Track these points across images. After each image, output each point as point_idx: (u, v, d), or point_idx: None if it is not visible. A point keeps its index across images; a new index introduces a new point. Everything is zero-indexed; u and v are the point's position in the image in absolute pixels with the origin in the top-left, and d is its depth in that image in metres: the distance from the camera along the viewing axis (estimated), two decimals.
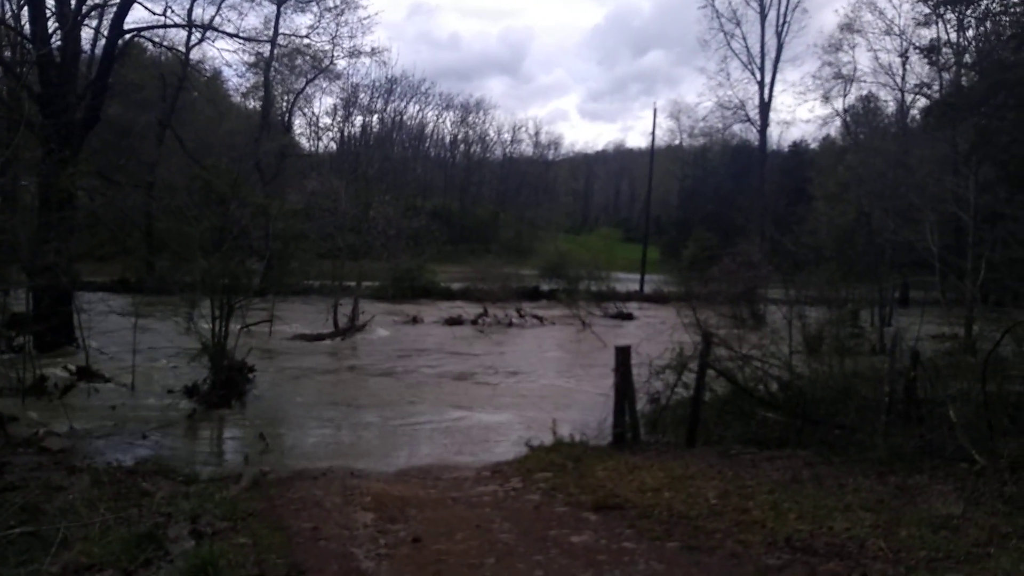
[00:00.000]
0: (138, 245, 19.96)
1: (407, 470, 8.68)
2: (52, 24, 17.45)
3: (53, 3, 17.27)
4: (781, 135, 65.97)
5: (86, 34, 20.99)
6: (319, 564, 5.13)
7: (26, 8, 17.87)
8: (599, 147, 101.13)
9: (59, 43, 17.51)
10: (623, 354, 9.21)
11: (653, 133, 50.15)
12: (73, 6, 17.43)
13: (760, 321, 22.28)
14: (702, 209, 51.78)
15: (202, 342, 11.88)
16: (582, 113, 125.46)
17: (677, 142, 60.23)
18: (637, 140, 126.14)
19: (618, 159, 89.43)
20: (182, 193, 17.73)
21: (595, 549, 5.44)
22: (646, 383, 9.64)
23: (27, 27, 18.12)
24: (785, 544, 5.28)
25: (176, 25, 26.93)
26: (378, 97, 58.51)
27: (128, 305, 16.89)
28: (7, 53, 19.12)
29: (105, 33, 19.88)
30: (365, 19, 45.57)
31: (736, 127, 50.32)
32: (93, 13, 20.34)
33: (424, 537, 5.73)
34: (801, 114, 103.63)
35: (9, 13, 20.86)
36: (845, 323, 15.23)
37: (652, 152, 50.22)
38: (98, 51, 21.46)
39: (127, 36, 21.05)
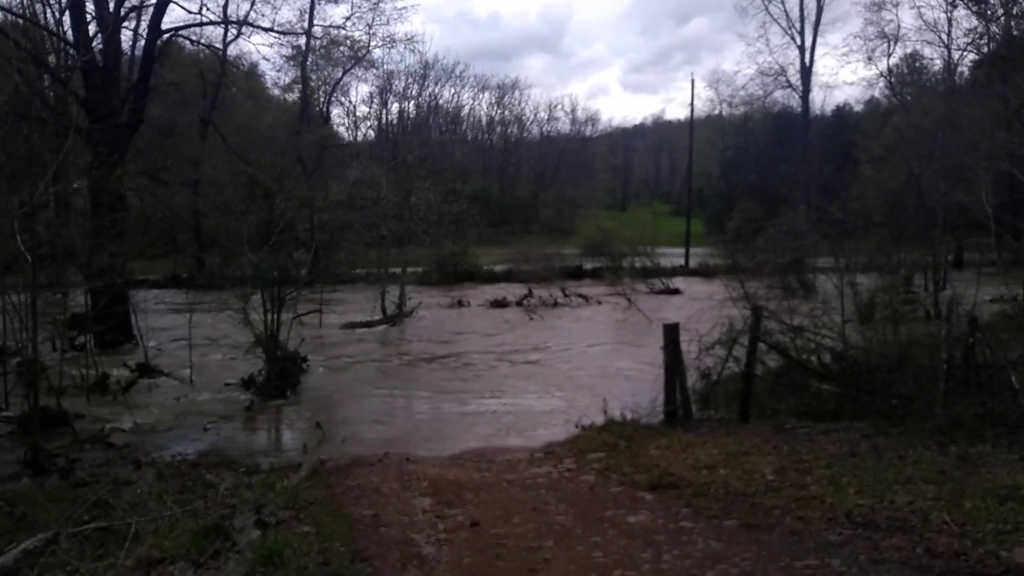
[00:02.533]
0: (188, 242, 20.48)
1: (461, 454, 8.79)
2: (92, 28, 17.84)
3: (93, 8, 17.64)
4: (824, 100, 64.47)
5: (125, 36, 21.38)
6: (381, 551, 5.24)
7: (68, 14, 18.28)
8: (637, 121, 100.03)
9: (100, 47, 17.90)
10: (671, 331, 9.15)
11: (692, 104, 49.47)
12: (112, 9, 17.78)
13: (809, 291, 21.89)
14: (745, 179, 50.89)
15: (255, 334, 12.15)
16: (624, 86, 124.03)
17: (717, 112, 59.12)
18: (676, 112, 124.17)
19: (657, 132, 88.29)
20: (228, 189, 18.07)
21: (652, 529, 5.45)
22: (696, 359, 9.57)
23: (69, 33, 18.54)
24: (846, 519, 5.22)
25: (212, 23, 27.40)
26: (413, 83, 58.61)
27: (181, 301, 17.34)
28: (52, 60, 19.61)
29: (144, 34, 20.26)
30: (400, 8, 45.61)
31: (777, 94, 49.13)
32: (131, 15, 20.71)
33: (482, 521, 5.80)
34: (844, 76, 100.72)
35: (52, 20, 21.38)
36: (898, 289, 14.90)
37: (692, 123, 49.48)
38: (138, 52, 21.84)
39: (165, 36, 21.39)
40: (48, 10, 21.16)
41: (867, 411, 8.29)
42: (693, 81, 79.22)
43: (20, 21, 18.73)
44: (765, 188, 42.94)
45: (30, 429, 8.63)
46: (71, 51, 18.51)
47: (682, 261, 37.99)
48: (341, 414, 11.47)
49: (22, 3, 19.23)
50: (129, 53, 25.07)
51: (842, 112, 53.54)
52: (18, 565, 4.93)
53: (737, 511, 5.68)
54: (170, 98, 29.26)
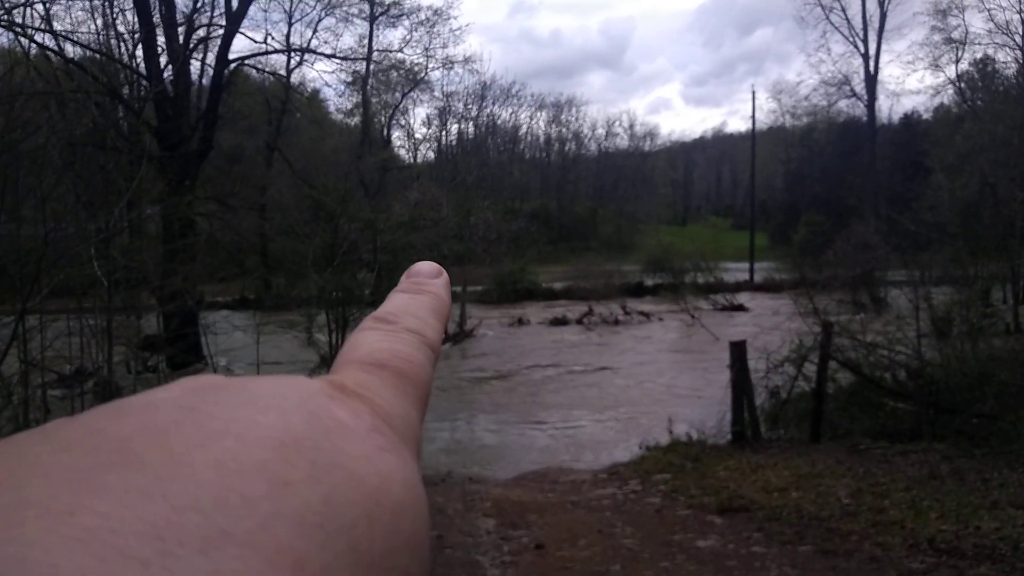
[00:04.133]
0: (255, 265, 21.02)
1: (523, 474, 8.73)
2: (163, 60, 18.57)
3: (163, 41, 18.38)
4: (891, 108, 62.65)
5: (194, 67, 22.19)
6: (447, 572, 5.21)
7: (140, 48, 19.08)
8: (697, 134, 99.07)
9: (171, 78, 18.60)
10: (738, 348, 8.96)
11: (753, 116, 48.56)
12: (181, 41, 18.49)
13: (882, 306, 21.21)
14: (810, 191, 49.77)
15: (320, 354, 12.33)
16: (686, 99, 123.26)
17: (780, 123, 58.10)
18: (737, 125, 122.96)
19: (717, 145, 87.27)
20: (293, 212, 18.49)
21: (723, 554, 5.30)
22: (764, 377, 9.35)
23: (142, 66, 19.32)
24: (928, 546, 4.99)
25: (276, 51, 28.23)
26: (472, 104, 59.29)
27: (249, 322, 17.75)
28: (126, 91, 20.45)
29: (212, 65, 20.99)
30: (456, 30, 46.28)
31: (842, 103, 48.03)
32: (200, 46, 21.50)
33: (547, 543, 5.72)
34: (911, 84, 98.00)
35: (126, 53, 22.30)
36: (976, 303, 14.29)
37: (754, 135, 48.75)
38: (206, 82, 22.63)
39: (232, 65, 22.16)
40: (122, 44, 22.11)
41: (947, 431, 7.95)
42: (754, 93, 78.07)
43: (97, 56, 19.60)
44: (831, 200, 41.87)
45: None
46: (144, 83, 19.27)
47: (746, 276, 37.28)
48: None
49: (98, 39, 20.13)
50: (197, 83, 26.04)
51: (910, 120, 52.01)
52: None
53: (812, 536, 5.48)
54: (237, 125, 30.23)
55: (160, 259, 14.48)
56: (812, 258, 25.97)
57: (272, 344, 16.00)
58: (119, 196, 12.08)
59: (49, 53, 16.79)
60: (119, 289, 11.15)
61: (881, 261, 23.16)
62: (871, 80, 44.91)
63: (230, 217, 21.02)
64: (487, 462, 9.55)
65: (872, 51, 44.48)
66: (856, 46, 44.97)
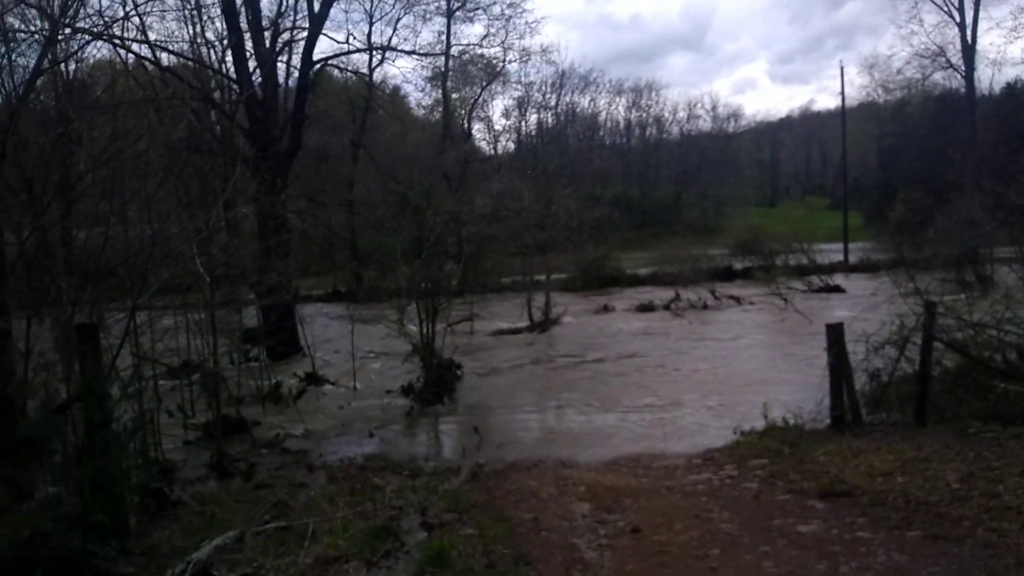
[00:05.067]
0: (346, 259, 21.62)
1: (616, 459, 8.70)
2: (252, 64, 19.19)
3: (251, 46, 18.99)
4: (992, 79, 59.09)
5: (281, 69, 22.85)
6: (543, 555, 5.27)
7: (230, 54, 19.78)
8: (783, 114, 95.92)
9: (260, 81, 19.23)
10: (835, 331, 8.70)
11: (843, 92, 46.36)
12: (268, 45, 19.08)
13: (988, 284, 20.17)
14: (906, 167, 47.48)
15: (412, 343, 12.61)
16: (772, 78, 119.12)
17: (871, 99, 55.58)
18: (826, 102, 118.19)
19: (805, 124, 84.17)
20: (380, 207, 18.89)
21: (826, 539, 5.17)
22: (863, 360, 9.02)
23: (232, 71, 20.04)
24: None
25: (358, 50, 28.83)
26: (550, 94, 59.11)
27: (343, 314, 18.28)
28: (217, 96, 21.27)
29: (297, 67, 21.61)
30: (532, 22, 46.21)
31: (937, 75, 45.46)
32: (285, 49, 22.13)
33: (643, 527, 5.71)
34: (1013, 53, 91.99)
35: (216, 60, 23.17)
36: None
37: (843, 112, 46.89)
38: (292, 84, 23.30)
39: (316, 66, 22.70)
40: (212, 51, 22.96)
41: None
42: (843, 68, 74.39)
43: (190, 63, 20.44)
44: (929, 176, 39.85)
45: (215, 435, 9.36)
46: (234, 87, 19.99)
47: (840, 257, 35.99)
48: (495, 419, 11.67)
49: (190, 47, 20.96)
50: (284, 85, 26.86)
51: (1013, 90, 48.97)
52: (211, 559, 5.34)
53: (920, 521, 5.29)
54: (323, 125, 31.04)
55: (256, 256, 15.03)
56: (910, 236, 24.87)
57: (366, 335, 16.45)
58: (216, 196, 12.61)
59: (146, 63, 17.59)
60: (220, 285, 11.63)
61: (986, 237, 21.94)
62: (968, 50, 42.41)
63: (320, 213, 21.65)
64: (579, 447, 9.56)
65: (969, 20, 42.02)
66: (951, 15, 42.57)
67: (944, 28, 43.54)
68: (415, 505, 6.56)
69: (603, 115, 66.11)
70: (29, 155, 10.17)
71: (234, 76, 19.76)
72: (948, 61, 43.59)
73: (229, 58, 20.14)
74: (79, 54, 13.41)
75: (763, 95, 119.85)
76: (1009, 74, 56.32)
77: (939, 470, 6.26)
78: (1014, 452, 6.57)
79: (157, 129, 12.29)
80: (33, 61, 10.97)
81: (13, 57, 11.59)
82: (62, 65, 12.61)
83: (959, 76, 43.71)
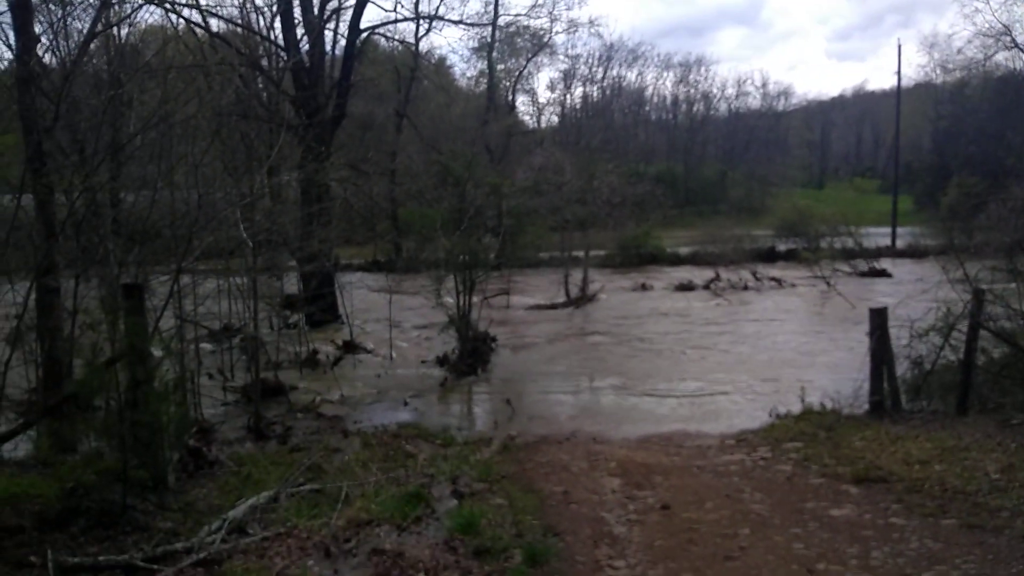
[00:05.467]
0: (386, 229, 21.75)
1: (648, 437, 8.69)
2: (299, 31, 19.26)
3: (299, 13, 19.04)
4: None
5: (327, 37, 22.90)
6: (572, 527, 5.29)
7: (278, 20, 19.85)
8: (835, 93, 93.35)
9: (307, 48, 19.30)
10: (879, 316, 8.53)
11: (899, 71, 45.17)
12: (316, 12, 19.10)
13: None
14: (962, 151, 46.08)
15: (448, 315, 12.68)
16: (828, 55, 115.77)
17: (927, 79, 53.88)
18: (881, 82, 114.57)
19: (858, 104, 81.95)
20: (422, 178, 18.91)
21: (859, 524, 5.11)
22: (906, 347, 8.85)
23: (280, 38, 20.14)
24: None
25: (406, 19, 28.67)
26: (597, 67, 58.39)
27: (381, 284, 18.44)
28: (264, 63, 21.41)
29: (344, 35, 21.62)
30: None
31: (1000, 56, 43.88)
32: (333, 16, 22.13)
33: (673, 504, 5.71)
34: None
35: (264, 27, 23.30)
36: None
37: (899, 91, 45.54)
38: (339, 52, 23.31)
39: (363, 34, 22.69)
40: (260, 18, 23.07)
41: None
42: (900, 47, 72.37)
43: (238, 29, 20.59)
44: (986, 160, 38.66)
45: (253, 398, 9.54)
46: (282, 54, 20.09)
47: (888, 241, 35.17)
48: (528, 392, 11.71)
49: (239, 13, 21.09)
50: (331, 53, 26.93)
51: None
52: (246, 518, 5.47)
53: (956, 510, 5.20)
54: (368, 93, 31.10)
55: (298, 223, 15.18)
56: (962, 222, 24.14)
57: (403, 305, 16.58)
58: (261, 163, 12.75)
59: (195, 28, 17.75)
60: (262, 251, 11.79)
61: None
62: None
63: (362, 183, 21.73)
64: (611, 424, 9.56)
65: None
66: None
67: (1011, 6, 41.87)
68: (446, 473, 6.63)
69: (650, 90, 65.19)
70: (81, 117, 10.39)
71: (282, 43, 19.86)
72: (1013, 40, 41.92)
73: (277, 25, 20.23)
74: (131, 18, 13.58)
75: (817, 73, 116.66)
76: None
77: (979, 460, 6.14)
78: None
79: (205, 94, 12.43)
80: (87, 25, 11.18)
81: (68, 21, 11.82)
82: (114, 29, 12.76)
83: (1023, 57, 42.13)
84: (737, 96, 65.49)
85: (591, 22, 50.00)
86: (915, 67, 68.70)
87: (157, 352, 6.74)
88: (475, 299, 12.98)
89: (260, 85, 21.44)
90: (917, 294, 10.50)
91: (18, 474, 5.86)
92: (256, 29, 21.63)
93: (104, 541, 5.13)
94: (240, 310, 12.85)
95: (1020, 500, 5.20)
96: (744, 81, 69.41)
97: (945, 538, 4.75)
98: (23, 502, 5.22)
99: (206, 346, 12.39)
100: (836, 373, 10.90)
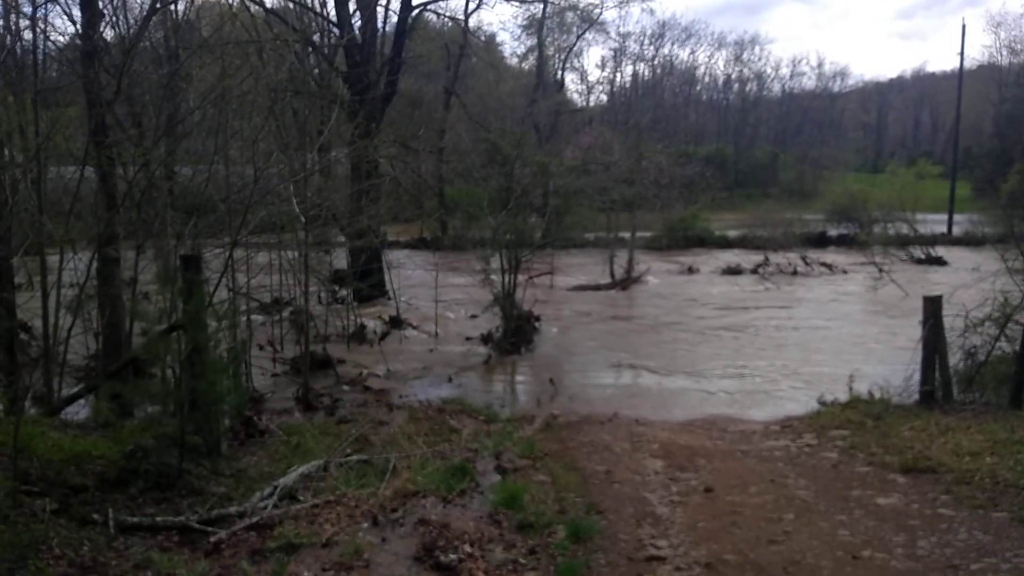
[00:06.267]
0: (434, 207, 21.87)
1: (692, 420, 8.68)
2: (352, 7, 19.37)
3: None
4: None
5: (379, 13, 22.98)
6: (615, 506, 5.34)
7: None
8: (894, 74, 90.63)
9: (359, 25, 19.40)
10: (933, 304, 8.36)
11: (962, 51, 43.19)
12: None
13: None
14: None
15: (493, 293, 12.77)
16: (889, 34, 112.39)
17: (992, 60, 52.03)
18: (941, 63, 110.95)
19: (917, 86, 79.61)
20: (470, 156, 18.95)
21: (906, 513, 5.06)
22: (960, 337, 8.67)
23: (332, 14, 20.28)
24: None
25: None
26: (648, 45, 57.61)
27: (428, 261, 18.60)
28: (317, 39, 21.58)
29: (396, 11, 21.68)
30: None
31: None
32: None
33: (716, 487, 5.71)
34: None
35: (317, 2, 23.47)
36: None
37: (960, 72, 44.00)
38: (389, 29, 23.40)
39: (415, 11, 22.73)
40: None
41: None
42: (964, 26, 69.95)
43: (292, 5, 20.77)
44: None
45: (301, 370, 9.76)
46: (334, 30, 20.24)
47: (944, 228, 34.23)
48: (571, 372, 11.75)
49: None
50: (382, 29, 27.02)
51: None
52: (296, 485, 5.63)
53: (1008, 503, 5.12)
54: (417, 70, 31.19)
55: (348, 199, 15.35)
56: (1023, 210, 23.38)
57: (449, 283, 16.71)
58: (313, 139, 12.91)
59: (250, 4, 17.96)
60: (313, 226, 11.98)
61: None
62: None
63: (411, 160, 21.86)
64: (654, 406, 9.56)
65: None
66: None
67: None
68: (490, 449, 6.72)
69: (702, 69, 64.16)
70: (141, 91, 10.64)
71: (334, 19, 20.01)
72: None
73: (330, 1, 20.38)
74: None
75: (876, 53, 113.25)
76: None
77: None
78: None
79: (260, 71, 12.61)
80: (146, 1, 11.41)
81: None
82: (172, 5, 13.00)
83: None
84: (792, 76, 64.15)
85: None
86: (979, 48, 66.36)
87: (212, 323, 6.92)
88: (520, 278, 13.03)
89: (313, 62, 21.65)
90: (973, 283, 10.25)
91: (81, 436, 6.10)
92: (309, 5, 21.82)
93: (161, 503, 5.34)
94: (290, 284, 13.10)
95: None
96: (799, 61, 68.08)
97: (995, 531, 4.69)
98: (86, 462, 5.45)
99: (257, 318, 12.67)
100: (886, 362, 10.72)
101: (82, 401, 7.58)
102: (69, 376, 8.44)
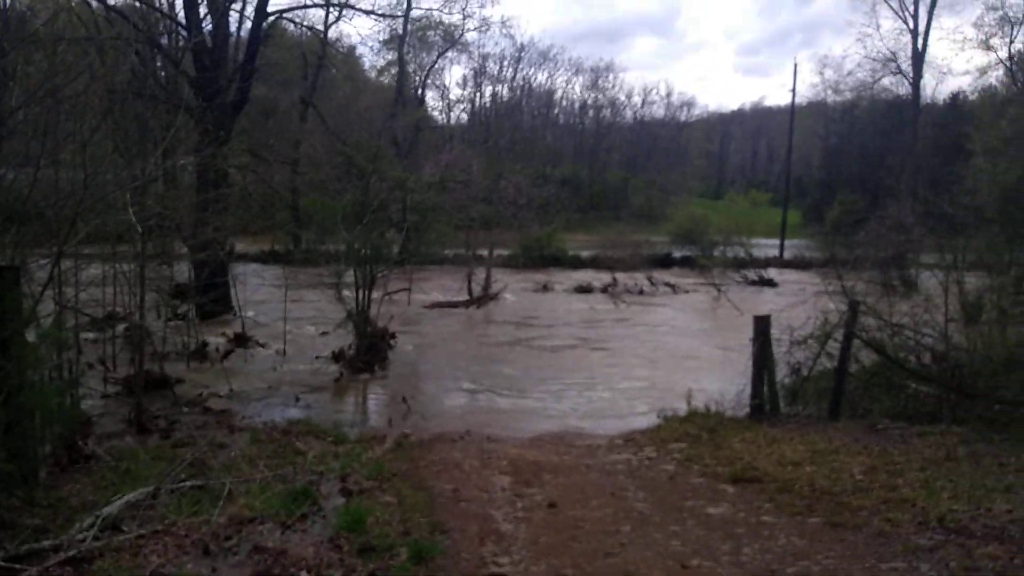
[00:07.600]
0: (285, 219, 21.18)
1: (541, 436, 8.83)
2: (203, 10, 18.58)
3: None
4: (936, 88, 60.94)
5: (232, 18, 22.17)
6: (460, 524, 5.34)
7: None
8: (735, 107, 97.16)
9: (210, 28, 18.62)
10: (762, 323, 8.95)
11: (794, 89, 47.48)
12: None
13: (912, 288, 20.92)
14: (847, 169, 48.87)
15: (347, 310, 12.52)
16: (735, 68, 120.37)
17: (821, 98, 56.78)
18: (777, 98, 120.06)
19: (756, 118, 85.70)
20: (325, 168, 18.56)
21: (733, 521, 5.36)
22: (786, 353, 9.32)
23: (182, 15, 19.36)
24: (938, 524, 5.01)
25: (315, 5, 28.06)
26: (508, 66, 58.75)
27: (278, 276, 18.00)
28: (164, 41, 20.55)
29: (251, 17, 20.99)
30: None
31: (886, 80, 46.82)
32: None
33: (559, 502, 5.83)
34: (958, 65, 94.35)
35: (165, 3, 22.33)
36: (1009, 289, 14.04)
37: (792, 109, 47.81)
38: (244, 34, 22.64)
39: (271, 18, 22.10)
40: None
41: (967, 416, 7.90)
42: (796, 66, 76.44)
43: (137, 3, 19.68)
44: (869, 179, 41.15)
45: (135, 390, 9.15)
46: (183, 32, 19.34)
47: (776, 252, 36.92)
48: (425, 390, 11.71)
49: None
50: (236, 35, 26.05)
51: (957, 101, 50.63)
52: (121, 515, 5.25)
53: (822, 509, 5.53)
54: (273, 79, 30.29)
55: (193, 209, 14.62)
56: (844, 237, 25.60)
57: (301, 299, 16.23)
58: (155, 145, 12.22)
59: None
60: (152, 237, 11.32)
61: (915, 243, 22.79)
62: (918, 58, 43.80)
63: (263, 170, 21.13)
64: (506, 422, 9.68)
65: (922, 28, 43.34)
66: (906, 22, 43.84)
67: (899, 35, 44.75)
68: (336, 471, 6.55)
69: (559, 93, 66.08)
70: None
71: (183, 21, 19.09)
72: (898, 67, 44.86)
73: (180, 2, 19.46)
74: None
75: (716, 86, 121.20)
76: (952, 85, 58.04)
77: (845, 462, 6.53)
78: (917, 449, 6.90)
79: (98, 69, 11.83)
80: None
81: None
82: None
83: (907, 83, 45.04)
84: (643, 104, 67.29)
85: (503, 22, 50.35)
86: (810, 86, 72.35)
87: (32, 339, 6.37)
88: (376, 295, 12.86)
89: (158, 64, 20.56)
90: (798, 303, 11.09)
91: None
92: (156, 5, 20.73)
93: None
94: (126, 298, 12.29)
95: (879, 500, 5.57)
96: (650, 90, 71.55)
97: (810, 535, 5.05)
98: None
99: (88, 335, 11.80)
100: (723, 376, 11.35)
101: None
102: None
